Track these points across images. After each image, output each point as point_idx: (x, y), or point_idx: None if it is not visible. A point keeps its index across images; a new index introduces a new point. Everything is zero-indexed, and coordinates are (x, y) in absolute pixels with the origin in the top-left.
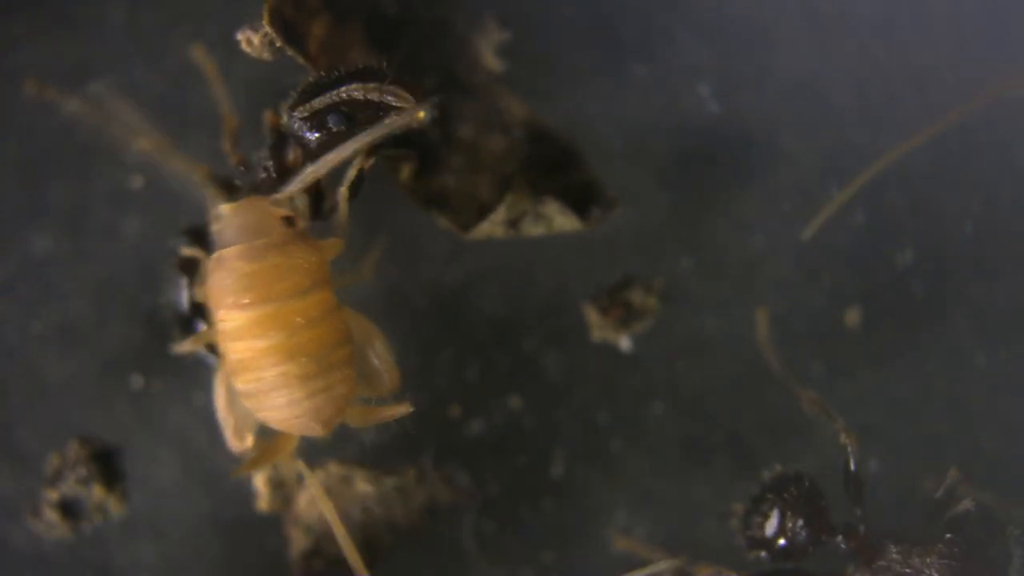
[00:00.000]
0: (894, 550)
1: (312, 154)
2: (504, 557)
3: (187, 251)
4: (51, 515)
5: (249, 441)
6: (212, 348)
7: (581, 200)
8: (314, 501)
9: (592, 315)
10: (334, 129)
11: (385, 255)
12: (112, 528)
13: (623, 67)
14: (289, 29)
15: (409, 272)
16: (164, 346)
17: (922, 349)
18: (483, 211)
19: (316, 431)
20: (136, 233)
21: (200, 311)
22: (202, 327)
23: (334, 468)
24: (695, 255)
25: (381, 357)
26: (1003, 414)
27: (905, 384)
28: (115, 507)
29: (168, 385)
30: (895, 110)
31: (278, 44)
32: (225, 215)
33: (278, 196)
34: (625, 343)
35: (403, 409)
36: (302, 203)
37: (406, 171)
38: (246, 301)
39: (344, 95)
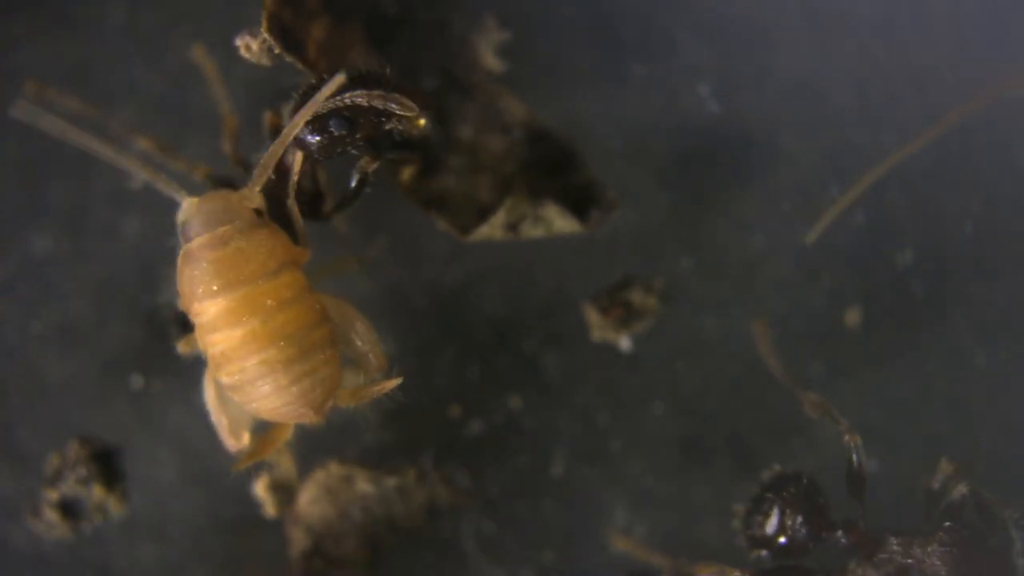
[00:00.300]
0: (894, 542)
1: (313, 157)
2: (504, 557)
3: None
4: (51, 515)
5: (245, 439)
6: None
7: (581, 201)
8: (314, 501)
9: (592, 315)
10: (335, 133)
11: (385, 255)
12: (112, 528)
13: (623, 67)
14: (288, 35)
15: (409, 272)
16: (164, 346)
17: (922, 349)
18: (483, 213)
19: (308, 417)
20: (136, 233)
21: None
22: None
23: (335, 468)
24: (695, 255)
25: (364, 338)
26: (1003, 414)
27: (905, 384)
28: (115, 507)
29: (168, 385)
30: (895, 110)
31: (277, 51)
32: (188, 208)
33: (245, 191)
34: (625, 343)
35: (393, 383)
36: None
37: (406, 173)
38: (215, 288)
39: (347, 100)
